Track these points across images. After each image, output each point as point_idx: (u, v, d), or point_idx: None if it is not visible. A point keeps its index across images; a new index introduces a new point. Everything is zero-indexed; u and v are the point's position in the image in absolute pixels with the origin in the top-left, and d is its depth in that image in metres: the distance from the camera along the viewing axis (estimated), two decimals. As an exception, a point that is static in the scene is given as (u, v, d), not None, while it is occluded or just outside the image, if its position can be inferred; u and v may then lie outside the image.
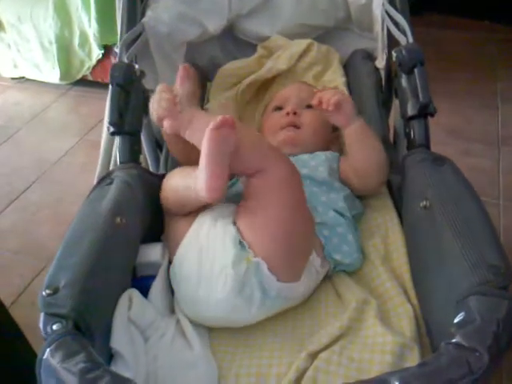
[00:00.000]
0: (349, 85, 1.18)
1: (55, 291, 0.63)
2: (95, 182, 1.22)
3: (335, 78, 1.18)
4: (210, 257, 0.76)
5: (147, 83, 1.00)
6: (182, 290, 0.79)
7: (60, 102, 2.37)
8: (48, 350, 0.58)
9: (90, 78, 2.31)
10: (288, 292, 0.77)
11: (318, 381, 0.69)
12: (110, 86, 0.88)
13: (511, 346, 0.57)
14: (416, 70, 0.87)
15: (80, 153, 2.07)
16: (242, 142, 0.74)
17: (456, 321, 0.59)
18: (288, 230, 0.76)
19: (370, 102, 1.06)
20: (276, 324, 0.80)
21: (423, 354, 0.71)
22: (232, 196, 0.86)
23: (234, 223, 0.79)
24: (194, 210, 0.84)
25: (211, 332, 0.79)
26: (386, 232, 0.89)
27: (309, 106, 1.03)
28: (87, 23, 2.07)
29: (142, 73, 0.97)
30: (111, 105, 0.87)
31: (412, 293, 0.80)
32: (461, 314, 0.59)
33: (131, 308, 0.73)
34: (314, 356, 0.71)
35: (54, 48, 2.20)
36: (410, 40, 0.90)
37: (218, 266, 0.75)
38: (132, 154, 0.90)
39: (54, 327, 0.60)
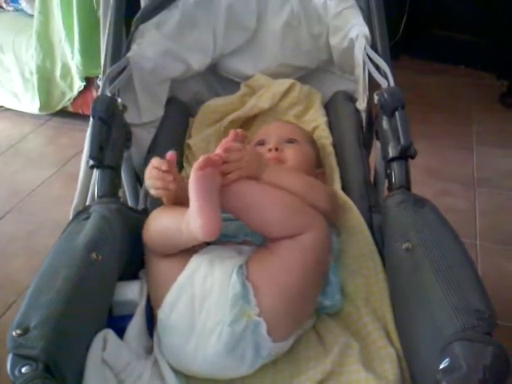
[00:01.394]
0: (330, 125, 1.19)
1: (25, 331, 0.60)
2: (71, 214, 1.20)
3: (316, 117, 1.20)
4: (205, 308, 0.74)
5: (129, 117, 0.99)
6: (169, 339, 0.75)
7: (38, 132, 2.34)
8: (15, 395, 0.54)
9: (70, 109, 2.30)
10: (278, 350, 0.76)
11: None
12: (92, 119, 0.87)
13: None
14: (397, 113, 0.88)
15: (56, 184, 2.04)
16: (277, 211, 0.77)
17: (441, 367, 0.58)
18: (303, 296, 0.76)
19: (351, 143, 1.07)
20: (255, 370, 0.76)
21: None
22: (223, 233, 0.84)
23: (240, 267, 0.76)
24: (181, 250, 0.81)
25: (189, 377, 0.76)
26: (368, 272, 0.88)
27: (290, 142, 1.03)
28: (70, 55, 2.07)
29: (124, 107, 0.96)
30: (92, 138, 0.86)
31: (394, 335, 0.79)
32: (446, 361, 0.58)
33: (105, 349, 0.70)
34: (295, 402, 0.69)
35: (34, 78, 2.19)
36: (392, 83, 0.92)
37: (214, 319, 0.72)
38: (111, 187, 0.88)
39: (23, 370, 0.57)
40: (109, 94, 0.91)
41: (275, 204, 0.79)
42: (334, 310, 0.84)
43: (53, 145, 2.28)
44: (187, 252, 0.81)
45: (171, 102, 1.19)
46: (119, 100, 0.91)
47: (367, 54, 1.01)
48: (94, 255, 0.73)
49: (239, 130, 0.82)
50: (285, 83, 1.22)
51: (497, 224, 1.85)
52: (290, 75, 1.28)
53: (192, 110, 1.27)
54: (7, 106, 2.37)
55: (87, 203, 1.04)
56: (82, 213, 0.83)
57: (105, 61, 0.97)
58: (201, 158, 0.72)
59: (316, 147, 1.10)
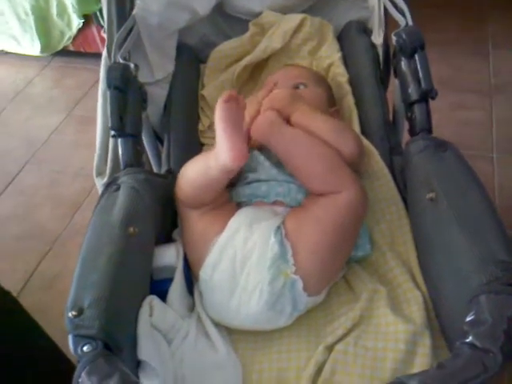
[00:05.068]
0: (345, 60, 1.16)
1: (80, 312, 0.65)
2: (94, 173, 1.22)
3: (331, 53, 1.16)
4: (246, 268, 0.77)
5: (141, 77, 0.98)
6: (212, 297, 0.80)
7: (43, 75, 2.29)
8: (83, 373, 0.60)
9: (71, 48, 2.24)
10: (314, 303, 0.81)
11: (337, 372, 0.73)
12: (108, 90, 0.87)
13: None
14: (417, 56, 0.86)
15: (68, 129, 2.04)
16: (320, 164, 0.81)
17: (468, 319, 0.62)
18: (337, 254, 0.79)
19: (369, 81, 1.05)
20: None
21: (433, 338, 0.75)
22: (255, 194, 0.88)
23: (278, 227, 0.80)
24: (216, 200, 0.85)
25: (231, 329, 0.82)
26: (391, 217, 0.91)
27: (299, 86, 1.02)
28: (63, -8, 1.98)
29: (137, 67, 0.94)
30: (111, 109, 0.85)
31: (420, 278, 0.83)
32: (472, 313, 0.62)
33: (152, 314, 0.75)
34: (330, 348, 0.75)
35: (30, 19, 2.11)
36: (410, 22, 0.89)
37: (254, 279, 0.76)
38: (136, 156, 0.89)
39: (85, 349, 0.62)
40: (121, 60, 0.89)
41: (319, 156, 0.83)
42: (363, 258, 0.88)
43: (59, 87, 2.24)
44: (223, 212, 0.85)
45: (179, 51, 1.16)
46: (132, 65, 0.90)
47: (382, -12, 0.96)
48: (131, 229, 0.76)
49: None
50: (295, 19, 1.17)
51: (514, 133, 1.83)
52: (299, 7, 1.22)
53: (201, 55, 1.24)
54: (7, 49, 2.30)
55: (108, 166, 1.05)
56: (111, 184, 0.84)
57: (108, 23, 0.94)
58: (225, 93, 0.77)
59: (327, 86, 1.09)
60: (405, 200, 0.91)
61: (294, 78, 1.04)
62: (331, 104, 1.06)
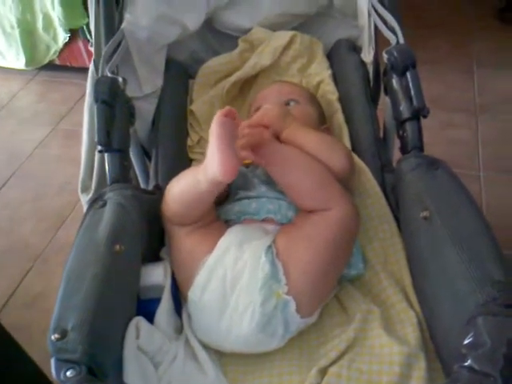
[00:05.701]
0: (335, 78, 1.16)
1: (64, 335, 0.62)
2: (79, 188, 1.19)
3: (320, 70, 1.16)
4: (236, 289, 0.75)
5: (130, 91, 0.96)
6: (201, 318, 0.78)
7: (28, 89, 2.27)
8: (66, 401, 0.57)
9: (57, 62, 2.22)
10: (306, 324, 0.79)
11: (330, 396, 0.71)
12: (96, 104, 0.85)
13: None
14: (408, 74, 0.85)
15: (53, 143, 2.01)
16: (309, 180, 0.80)
17: (466, 342, 0.60)
18: (330, 273, 0.78)
19: (359, 99, 1.05)
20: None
21: (428, 360, 0.73)
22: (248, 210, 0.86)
23: (269, 247, 0.78)
24: (204, 217, 0.83)
25: (221, 352, 0.79)
26: (384, 235, 0.90)
27: (290, 102, 1.01)
28: (50, 6, 1.97)
29: (125, 81, 0.92)
30: (98, 123, 0.83)
31: (413, 298, 0.81)
32: (470, 335, 0.60)
33: (139, 336, 0.73)
34: (323, 371, 0.73)
35: (16, 33, 2.09)
36: (401, 40, 0.88)
37: (245, 300, 0.74)
38: (123, 171, 0.87)
39: (68, 374, 0.59)
40: (109, 74, 0.87)
41: (308, 172, 0.82)
42: (356, 277, 0.86)
43: (44, 101, 2.22)
44: (212, 231, 0.83)
45: (168, 66, 1.15)
46: (120, 79, 0.88)
47: (373, 6, 0.96)
48: (117, 247, 0.74)
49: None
50: (285, 36, 1.17)
51: (500, 152, 1.85)
52: (289, 24, 1.22)
53: (190, 70, 1.23)
54: (-8, 63, 2.28)
55: (94, 181, 1.03)
56: (97, 200, 0.82)
57: (96, 36, 0.92)
58: (224, 108, 0.76)
59: (318, 104, 1.08)
60: (397, 218, 0.90)
61: (286, 94, 1.03)
62: (322, 122, 1.05)
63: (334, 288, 0.83)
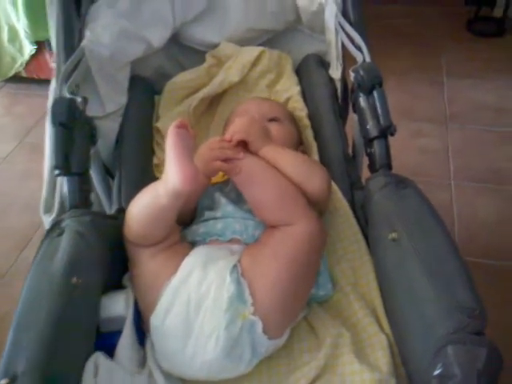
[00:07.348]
0: (303, 94, 1.14)
1: (13, 380, 0.58)
2: (41, 211, 1.14)
3: (289, 87, 1.14)
4: (201, 312, 0.72)
5: (91, 111, 0.92)
6: (165, 345, 0.74)
7: (-8, 102, 2.21)
8: None
9: (23, 74, 2.17)
10: (274, 346, 0.76)
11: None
12: (53, 127, 0.81)
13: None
14: (375, 92, 0.84)
15: (19, 158, 1.95)
16: (273, 193, 0.79)
17: (436, 373, 0.59)
18: (297, 290, 0.76)
19: (328, 116, 1.03)
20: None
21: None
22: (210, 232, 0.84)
23: (234, 266, 0.76)
24: (167, 238, 0.80)
25: (185, 381, 0.76)
26: (353, 255, 0.88)
27: (273, 120, 0.99)
28: (15, 18, 1.91)
29: (85, 100, 0.88)
30: (56, 147, 0.80)
31: (384, 321, 0.79)
32: (439, 366, 0.59)
33: (97, 375, 0.69)
34: (293, 401, 0.71)
35: (-21, 45, 2.03)
36: (368, 58, 0.87)
37: (210, 323, 0.71)
38: (82, 196, 0.83)
39: (18, 422, 0.56)
40: (67, 94, 0.84)
41: (273, 185, 0.81)
42: (324, 298, 0.84)
43: (10, 115, 2.16)
44: (176, 253, 0.80)
45: (133, 82, 1.11)
46: (79, 99, 0.84)
47: (339, 24, 0.94)
48: (74, 280, 0.70)
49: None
50: (253, 51, 1.15)
51: (469, 161, 1.87)
52: (257, 39, 1.21)
53: (156, 86, 1.19)
54: (-45, 76, 2.21)
55: (56, 202, 0.98)
56: (54, 228, 0.78)
57: (57, 54, 0.88)
58: (176, 120, 0.75)
59: (296, 124, 1.07)
60: (366, 236, 0.89)
61: (268, 111, 1.01)
62: (300, 142, 1.04)
63: (302, 308, 0.81)
